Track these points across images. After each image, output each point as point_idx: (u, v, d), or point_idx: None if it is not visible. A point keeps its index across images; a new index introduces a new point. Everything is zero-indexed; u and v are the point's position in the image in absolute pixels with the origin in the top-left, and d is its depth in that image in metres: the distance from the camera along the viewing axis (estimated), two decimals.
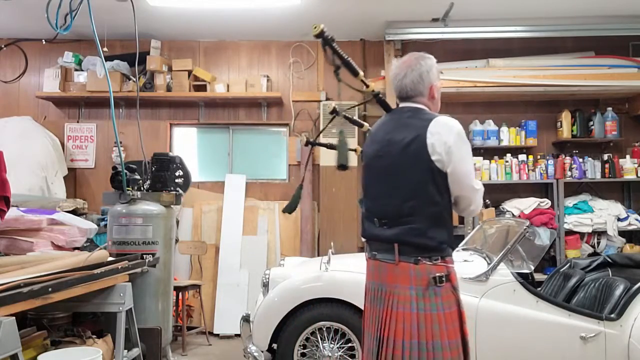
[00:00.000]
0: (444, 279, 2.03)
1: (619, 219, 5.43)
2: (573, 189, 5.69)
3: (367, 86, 2.32)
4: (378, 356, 2.07)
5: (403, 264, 2.05)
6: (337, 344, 3.46)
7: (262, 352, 3.45)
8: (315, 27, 2.03)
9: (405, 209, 2.07)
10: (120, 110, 6.12)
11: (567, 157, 5.57)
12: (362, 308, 3.33)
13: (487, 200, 2.79)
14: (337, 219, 5.71)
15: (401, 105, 2.25)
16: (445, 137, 2.03)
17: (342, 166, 2.47)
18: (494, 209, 5.55)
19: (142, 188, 4.36)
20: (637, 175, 5.51)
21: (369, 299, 2.19)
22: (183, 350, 4.80)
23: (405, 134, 2.10)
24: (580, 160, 5.55)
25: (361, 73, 2.26)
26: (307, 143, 3.20)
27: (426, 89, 2.18)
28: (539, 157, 5.67)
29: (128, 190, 4.13)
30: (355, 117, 3.17)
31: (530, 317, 3.36)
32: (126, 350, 3.05)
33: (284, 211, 2.89)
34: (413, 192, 2.06)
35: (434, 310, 2.01)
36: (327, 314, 3.46)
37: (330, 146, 2.96)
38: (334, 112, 2.81)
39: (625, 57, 5.63)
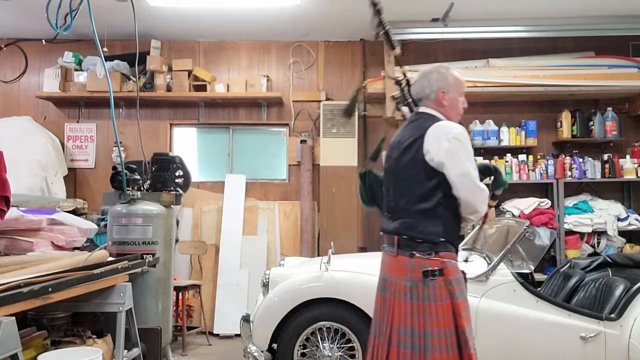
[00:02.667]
0: (436, 273, 2.17)
1: (619, 219, 5.42)
2: (573, 189, 5.69)
3: (399, 64, 2.70)
4: (383, 337, 2.26)
5: (400, 257, 2.24)
6: (337, 344, 3.46)
7: (262, 352, 3.45)
8: None
9: (401, 204, 2.28)
10: (120, 110, 6.12)
11: (567, 157, 5.57)
12: (362, 308, 3.37)
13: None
14: (337, 219, 5.71)
15: (418, 110, 2.42)
16: (441, 141, 2.18)
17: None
18: (494, 208, 5.56)
19: (142, 188, 4.36)
20: (637, 175, 5.51)
21: (379, 287, 2.38)
22: (183, 350, 4.80)
23: (408, 137, 2.29)
24: (580, 160, 5.55)
25: (397, 49, 2.70)
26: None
27: (433, 93, 2.33)
28: (539, 157, 5.66)
29: (128, 190, 4.12)
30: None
31: (530, 317, 3.36)
32: (126, 350, 3.05)
33: (368, 161, 2.82)
34: (408, 189, 2.26)
35: (425, 301, 2.16)
36: (327, 314, 3.46)
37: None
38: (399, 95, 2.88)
39: (625, 57, 5.63)
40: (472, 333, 2.19)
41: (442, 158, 2.16)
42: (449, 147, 2.16)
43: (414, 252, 2.19)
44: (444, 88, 2.32)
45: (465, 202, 2.21)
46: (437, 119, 2.29)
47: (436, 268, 2.17)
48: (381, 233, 2.46)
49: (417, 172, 2.22)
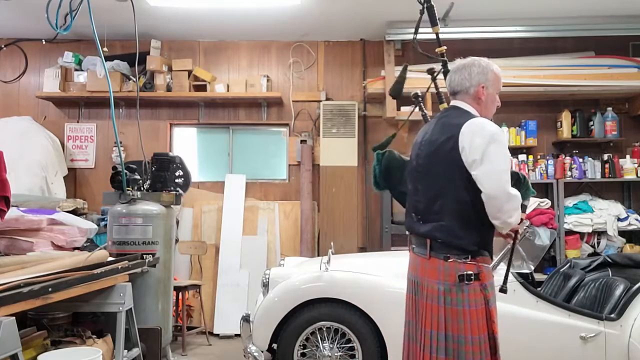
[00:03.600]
0: (472, 277, 2.11)
1: (619, 219, 5.42)
2: (573, 189, 5.69)
3: (440, 45, 2.65)
4: (418, 342, 2.20)
5: (434, 260, 2.15)
6: (337, 344, 3.46)
7: (262, 352, 3.45)
8: None
9: (435, 207, 2.16)
10: (120, 110, 6.12)
11: (567, 157, 5.57)
12: (362, 308, 3.36)
13: None
14: (337, 219, 5.71)
15: (450, 104, 2.32)
16: (475, 137, 2.07)
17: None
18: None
19: (142, 188, 4.35)
20: (637, 175, 5.51)
21: (410, 289, 2.31)
22: (183, 350, 4.80)
23: (440, 134, 2.17)
24: (580, 160, 5.55)
25: (438, 26, 2.61)
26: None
27: (472, 87, 2.22)
28: (539, 157, 5.66)
29: (128, 190, 4.12)
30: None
31: (530, 317, 3.36)
32: (126, 350, 3.05)
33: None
34: (442, 190, 2.14)
35: (459, 306, 2.10)
36: (327, 314, 3.46)
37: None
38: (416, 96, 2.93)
39: (625, 57, 5.64)
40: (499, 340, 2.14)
41: (475, 155, 2.04)
42: (481, 143, 2.04)
43: (449, 256, 2.11)
44: (484, 83, 2.21)
45: (489, 199, 2.04)
46: (470, 115, 2.17)
47: (472, 272, 2.10)
48: (407, 233, 2.36)
49: (453, 173, 2.10)
